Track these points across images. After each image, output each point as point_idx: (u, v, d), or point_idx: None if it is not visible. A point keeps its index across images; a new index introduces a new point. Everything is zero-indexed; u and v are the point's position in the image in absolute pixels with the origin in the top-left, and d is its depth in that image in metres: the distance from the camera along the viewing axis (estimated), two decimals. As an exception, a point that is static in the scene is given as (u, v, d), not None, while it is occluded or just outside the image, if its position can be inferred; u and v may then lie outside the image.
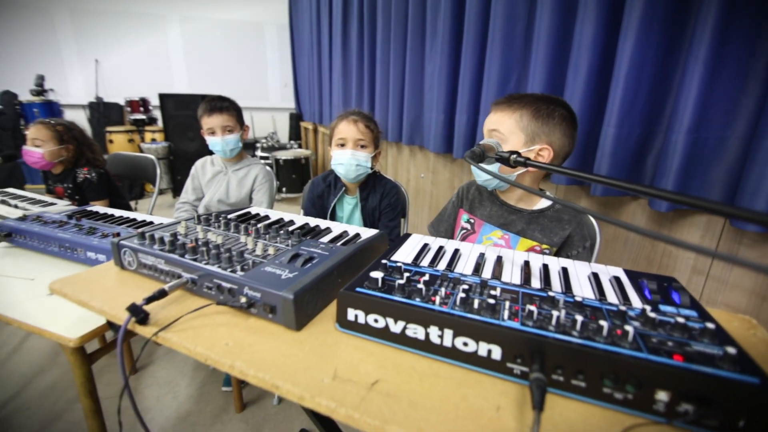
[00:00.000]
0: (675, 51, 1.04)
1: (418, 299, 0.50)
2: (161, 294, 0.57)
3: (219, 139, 1.54)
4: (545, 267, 0.63)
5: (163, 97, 4.02)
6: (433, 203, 2.55)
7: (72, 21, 4.80)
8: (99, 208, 1.27)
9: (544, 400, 0.38)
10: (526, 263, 0.64)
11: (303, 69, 5.20)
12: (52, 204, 1.42)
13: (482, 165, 0.73)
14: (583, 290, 0.57)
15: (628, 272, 0.64)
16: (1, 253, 1.09)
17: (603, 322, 0.43)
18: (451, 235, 1.13)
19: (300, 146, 5.12)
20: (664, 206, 1.06)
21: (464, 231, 1.06)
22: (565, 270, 0.62)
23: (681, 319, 0.46)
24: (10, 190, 1.61)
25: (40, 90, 4.40)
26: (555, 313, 0.45)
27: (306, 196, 1.45)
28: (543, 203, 0.97)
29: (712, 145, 0.99)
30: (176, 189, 4.08)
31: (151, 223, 1.11)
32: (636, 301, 0.53)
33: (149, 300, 0.56)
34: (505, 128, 0.89)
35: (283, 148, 4.81)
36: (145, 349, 1.78)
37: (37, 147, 1.64)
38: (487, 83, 1.68)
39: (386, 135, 2.74)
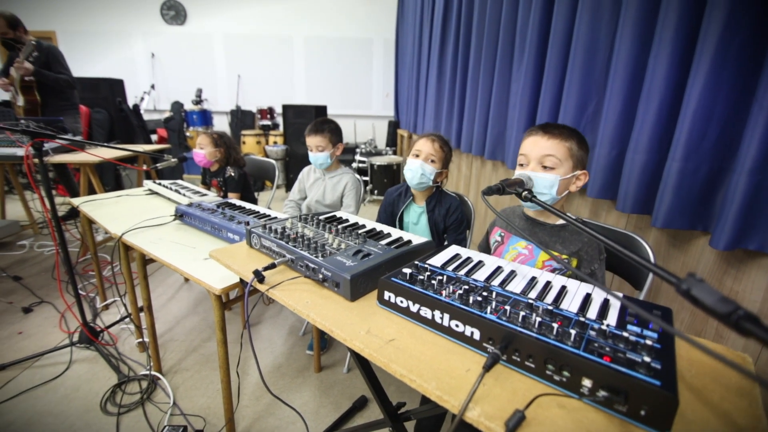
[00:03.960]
0: (748, 90, 1.03)
1: (431, 291, 0.71)
2: (272, 266, 0.89)
3: (312, 155, 1.93)
4: (547, 283, 0.78)
5: (286, 108, 4.77)
6: (511, 217, 2.62)
7: (224, 44, 5.95)
8: (235, 201, 1.72)
9: (492, 366, 0.57)
10: (533, 278, 0.80)
11: (404, 80, 5.57)
12: (205, 195, 1.95)
13: (537, 200, 0.86)
14: (571, 305, 0.71)
15: (627, 298, 0.75)
16: (175, 227, 1.58)
17: (555, 324, 0.60)
18: (487, 250, 1.29)
19: (395, 152, 5.50)
20: (722, 244, 1.05)
21: (496, 243, 1.22)
22: (563, 288, 0.76)
23: (627, 334, 0.59)
24: (180, 182, 2.22)
25: (198, 100, 5.58)
26: (522, 313, 0.63)
27: (382, 202, 1.72)
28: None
29: (781, 188, 0.97)
30: (288, 185, 4.80)
31: (268, 216, 1.50)
32: (611, 319, 0.66)
33: (265, 269, 0.88)
34: (560, 155, 1.01)
35: (379, 154, 5.24)
36: (256, 312, 2.26)
37: (201, 149, 2.22)
38: (564, 107, 1.74)
39: (470, 148, 2.89)
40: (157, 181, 2.16)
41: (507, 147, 2.37)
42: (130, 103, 4.75)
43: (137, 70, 6.10)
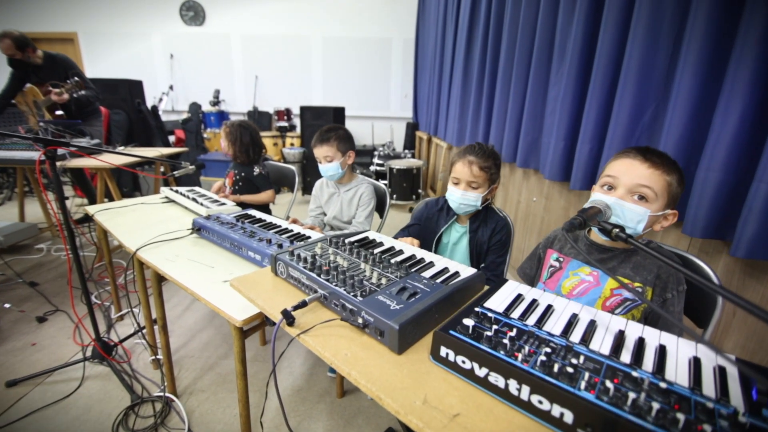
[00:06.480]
0: None
1: (502, 352, 0.58)
2: (303, 304, 0.77)
3: (321, 167, 1.80)
4: (641, 341, 0.64)
5: (303, 109, 4.68)
6: (543, 228, 2.46)
7: (242, 45, 5.91)
8: (254, 212, 1.61)
9: (603, 472, 0.43)
10: (621, 333, 0.65)
11: (424, 81, 5.42)
12: (223, 204, 1.84)
13: (633, 240, 0.71)
14: (678, 375, 0.56)
15: (742, 363, 0.60)
16: (192, 242, 1.48)
17: (681, 415, 0.46)
18: (535, 277, 1.15)
19: (413, 155, 5.36)
20: (830, 284, 0.89)
21: (552, 268, 1.07)
22: (663, 348, 0.62)
23: (778, 431, 0.44)
24: (197, 189, 2.13)
25: (216, 101, 5.54)
26: (632, 394, 0.49)
27: (418, 212, 1.54)
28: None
29: None
30: (306, 188, 4.71)
31: (290, 231, 1.38)
32: (736, 399, 0.52)
33: (295, 308, 0.76)
34: (658, 188, 0.88)
35: (397, 157, 5.11)
36: (270, 329, 2.16)
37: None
38: (616, 114, 1.58)
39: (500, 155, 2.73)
40: (175, 188, 2.08)
41: (543, 155, 2.21)
42: (149, 104, 4.73)
43: (156, 71, 6.11)
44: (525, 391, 0.54)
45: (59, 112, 3.01)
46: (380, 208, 1.96)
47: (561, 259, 1.05)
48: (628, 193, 0.88)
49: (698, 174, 1.20)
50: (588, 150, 1.75)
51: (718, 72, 1.16)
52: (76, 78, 2.89)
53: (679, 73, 1.29)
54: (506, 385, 0.56)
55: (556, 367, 0.54)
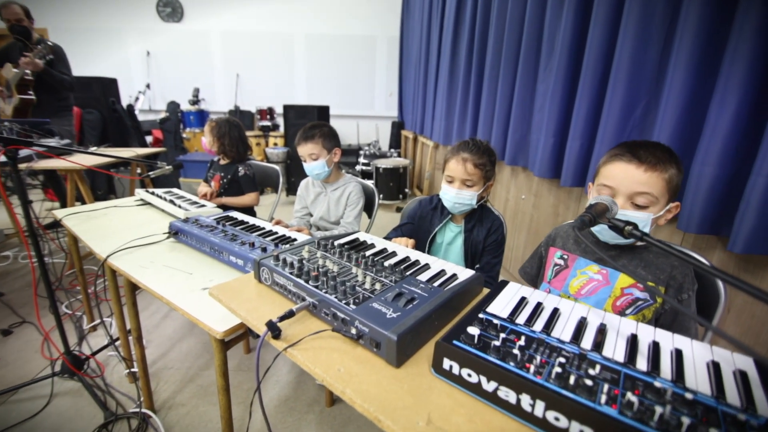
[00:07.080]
0: None
1: (512, 363, 0.53)
2: (290, 314, 0.70)
3: (306, 165, 1.74)
4: (655, 345, 0.59)
5: (287, 108, 4.57)
6: (533, 227, 2.45)
7: (222, 42, 5.75)
8: (237, 214, 1.53)
9: (636, 501, 0.38)
10: (633, 337, 0.61)
11: (409, 79, 5.39)
12: (203, 206, 1.75)
13: (649, 238, 0.69)
14: (698, 382, 0.52)
15: (761, 365, 0.57)
16: (169, 246, 1.39)
17: (713, 430, 0.41)
18: (538, 276, 1.12)
19: (399, 155, 5.32)
20: (831, 279, 0.87)
21: (557, 267, 1.03)
22: (679, 353, 0.58)
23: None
24: (175, 190, 2.03)
25: (195, 100, 5.38)
26: (659, 409, 0.44)
27: (410, 210, 1.49)
28: None
29: None
30: (290, 189, 4.60)
31: (275, 233, 1.31)
32: (762, 406, 0.48)
33: (281, 318, 0.69)
34: (657, 191, 0.85)
35: (383, 156, 5.05)
36: (255, 339, 2.07)
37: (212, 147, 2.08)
38: (607, 110, 1.56)
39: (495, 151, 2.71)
40: (150, 190, 1.97)
41: (531, 152, 2.19)
42: (124, 103, 4.54)
43: (132, 68, 5.89)
44: (539, 406, 0.49)
45: (30, 95, 2.85)
46: (368, 208, 1.90)
47: (565, 257, 1.02)
48: (627, 201, 0.86)
49: (693, 169, 1.18)
50: (578, 146, 1.73)
51: (712, 65, 1.14)
52: (48, 42, 2.78)
53: (672, 67, 1.27)
54: (518, 400, 0.51)
55: (572, 379, 0.50)
